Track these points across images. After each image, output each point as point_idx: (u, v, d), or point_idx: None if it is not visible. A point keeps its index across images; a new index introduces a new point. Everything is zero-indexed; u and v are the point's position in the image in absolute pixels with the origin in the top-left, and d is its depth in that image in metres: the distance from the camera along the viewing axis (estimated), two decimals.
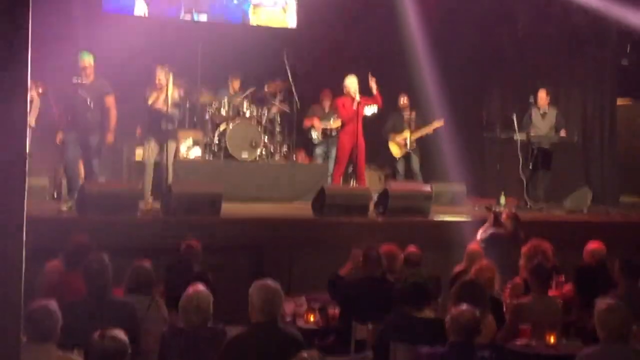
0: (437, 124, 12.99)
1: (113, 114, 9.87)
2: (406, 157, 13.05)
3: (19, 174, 4.63)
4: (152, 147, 10.32)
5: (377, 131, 12.78)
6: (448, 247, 8.68)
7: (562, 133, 12.23)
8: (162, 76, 10.28)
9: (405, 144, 12.96)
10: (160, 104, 10.26)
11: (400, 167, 13.02)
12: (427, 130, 13.01)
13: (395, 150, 12.96)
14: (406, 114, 13.10)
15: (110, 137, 9.86)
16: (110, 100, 9.85)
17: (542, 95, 12.24)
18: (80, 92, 9.64)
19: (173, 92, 10.38)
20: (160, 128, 10.24)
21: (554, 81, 13.71)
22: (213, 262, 7.80)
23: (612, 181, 13.98)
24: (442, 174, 13.07)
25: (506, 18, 14.56)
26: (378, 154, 13.57)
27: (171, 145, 10.38)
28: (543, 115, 12.24)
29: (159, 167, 10.41)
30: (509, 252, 8.04)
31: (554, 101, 12.63)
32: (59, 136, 10.25)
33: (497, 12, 14.52)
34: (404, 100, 13.12)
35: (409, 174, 12.99)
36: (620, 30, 13.30)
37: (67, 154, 9.77)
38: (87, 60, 9.70)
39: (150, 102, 10.27)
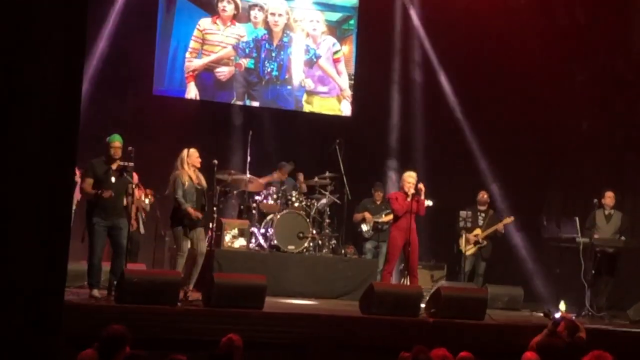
0: (508, 219, 13.03)
1: (137, 199, 10.05)
2: (475, 258, 13.03)
3: (59, 255, 4.74)
4: (182, 234, 10.22)
5: (431, 228, 12.79)
6: (503, 355, 8.54)
7: (622, 238, 12.11)
8: (196, 157, 10.34)
9: (477, 241, 12.96)
10: (199, 189, 10.30)
11: (467, 266, 12.99)
12: (498, 226, 13.01)
13: (465, 247, 12.94)
14: (482, 211, 13.16)
15: (134, 224, 9.96)
16: (134, 186, 10.00)
17: (610, 195, 12.17)
18: (105, 176, 9.74)
19: (202, 177, 10.44)
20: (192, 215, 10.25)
21: (619, 182, 13.63)
22: (255, 358, 7.76)
23: None
24: (499, 277, 13.00)
25: (569, 115, 14.63)
26: (431, 252, 13.57)
27: (201, 231, 10.34)
28: (608, 218, 12.15)
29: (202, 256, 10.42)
30: None
31: (619, 204, 12.53)
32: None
33: (561, 110, 14.62)
34: (484, 196, 13.21)
35: (472, 275, 12.95)
36: None
37: (95, 241, 9.73)
38: (117, 143, 9.83)
39: (188, 185, 10.27)
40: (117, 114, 12.87)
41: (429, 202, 11.71)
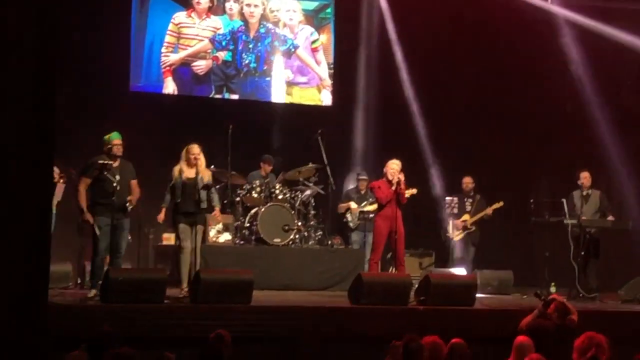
0: (497, 204, 13.07)
1: (136, 197, 10.09)
2: (464, 243, 13.08)
3: (41, 256, 4.73)
4: (184, 231, 10.30)
5: (418, 215, 12.81)
6: (494, 339, 8.57)
7: (610, 217, 12.14)
8: (198, 152, 10.38)
9: (465, 227, 13.00)
10: (190, 182, 10.32)
11: (456, 252, 13.04)
12: (487, 211, 13.06)
13: (453, 233, 12.97)
14: (469, 196, 13.20)
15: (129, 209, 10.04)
16: (134, 184, 10.12)
17: (585, 176, 12.19)
18: (107, 175, 9.79)
19: (205, 173, 10.46)
20: (189, 209, 10.29)
21: (604, 163, 13.69)
22: (244, 353, 7.76)
23: None
24: (488, 261, 13.05)
25: (553, 99, 14.71)
26: (420, 239, 13.60)
27: (200, 229, 10.42)
28: (586, 198, 12.16)
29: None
30: (556, 346, 7.92)
31: (605, 183, 12.57)
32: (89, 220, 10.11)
33: (545, 94, 14.69)
34: (468, 181, 13.25)
35: (461, 262, 13.00)
36: None
37: (99, 240, 9.84)
38: (118, 140, 9.92)
39: (177, 179, 10.30)
40: (94, 111, 12.80)
41: (413, 191, 11.73)
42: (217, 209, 10.70)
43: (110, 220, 9.80)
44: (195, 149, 10.39)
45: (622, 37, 13.98)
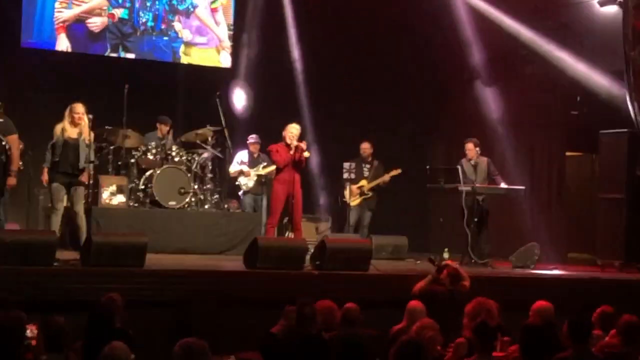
0: (395, 171, 13.20)
1: (15, 155, 9.77)
2: (360, 209, 13.19)
3: None
4: (58, 191, 10.10)
5: (315, 180, 12.90)
6: (388, 304, 8.70)
7: (503, 184, 12.38)
8: (82, 111, 10.14)
9: (362, 192, 13.10)
10: (72, 141, 10.12)
11: (353, 217, 13.14)
12: (384, 178, 13.17)
13: (350, 198, 13.05)
14: (367, 162, 13.29)
15: (11, 180, 9.75)
16: (12, 139, 9.77)
17: (469, 147, 12.35)
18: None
19: (88, 133, 10.26)
20: (67, 169, 10.09)
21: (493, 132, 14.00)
22: (135, 317, 7.69)
23: (561, 236, 14.20)
24: (383, 227, 13.22)
25: (452, 62, 14.91)
26: (316, 204, 13.70)
27: (78, 190, 10.21)
28: (475, 167, 12.37)
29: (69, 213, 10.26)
30: (448, 311, 8.10)
31: (485, 151, 12.76)
32: None
33: (444, 57, 14.88)
34: (366, 147, 13.33)
35: (357, 227, 13.13)
36: (572, 79, 13.65)
37: None
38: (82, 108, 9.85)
39: (58, 137, 10.08)
40: None
41: (306, 154, 11.76)
42: (86, 170, 10.35)
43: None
44: (80, 108, 10.13)
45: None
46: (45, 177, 10.28)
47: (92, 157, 10.36)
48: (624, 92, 12.25)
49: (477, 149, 12.35)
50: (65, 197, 10.13)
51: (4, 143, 9.62)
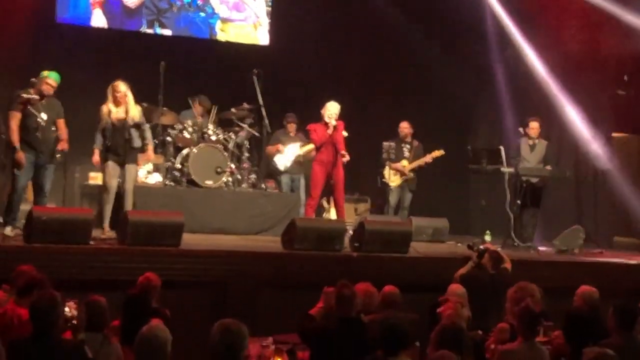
0: (437, 153, 13.15)
1: (64, 136, 9.94)
2: (401, 190, 13.18)
3: None
4: (111, 169, 10.23)
5: (354, 160, 12.89)
6: (428, 287, 8.72)
7: (548, 167, 12.35)
8: (125, 90, 10.23)
9: (402, 173, 13.09)
10: (119, 122, 10.21)
11: (393, 198, 13.10)
12: (426, 158, 13.15)
13: (390, 179, 13.02)
14: (407, 142, 13.28)
15: (59, 159, 9.93)
16: (62, 122, 9.98)
17: (534, 125, 12.35)
18: (31, 109, 9.64)
19: (134, 111, 10.35)
20: (119, 149, 10.21)
21: (546, 112, 13.88)
22: (172, 297, 7.80)
23: (606, 220, 14.12)
24: (424, 209, 13.20)
25: (494, 45, 14.83)
26: (357, 185, 13.70)
27: (131, 169, 10.34)
28: (532, 147, 12.35)
29: (117, 192, 10.38)
30: (490, 295, 8.12)
31: (545, 133, 12.75)
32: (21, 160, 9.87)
33: (486, 39, 14.80)
34: (404, 127, 13.30)
35: (398, 208, 13.11)
36: (619, 59, 13.52)
37: (20, 176, 9.71)
38: (53, 81, 9.83)
39: (106, 120, 10.19)
40: (17, 45, 12.54)
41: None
42: (150, 147, 10.59)
43: (34, 157, 9.67)
44: (122, 86, 10.20)
45: None
46: (96, 158, 10.31)
47: (148, 136, 10.50)
48: None
49: (540, 129, 12.33)
50: (118, 175, 10.26)
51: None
